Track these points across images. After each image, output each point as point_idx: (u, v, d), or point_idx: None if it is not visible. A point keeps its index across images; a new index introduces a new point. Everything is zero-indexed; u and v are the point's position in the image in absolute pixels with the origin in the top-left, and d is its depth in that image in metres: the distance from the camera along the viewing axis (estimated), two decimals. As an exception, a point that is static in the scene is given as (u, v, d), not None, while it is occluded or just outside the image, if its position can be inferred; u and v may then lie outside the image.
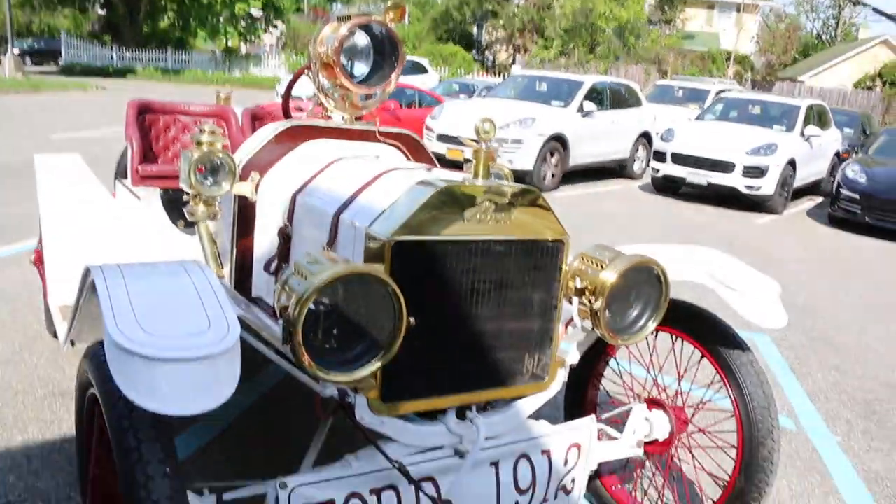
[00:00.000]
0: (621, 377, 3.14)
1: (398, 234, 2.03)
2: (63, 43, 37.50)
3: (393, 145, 3.07)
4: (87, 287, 2.03)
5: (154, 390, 1.52)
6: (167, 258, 3.42)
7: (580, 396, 3.17)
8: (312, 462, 2.29)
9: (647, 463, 3.03)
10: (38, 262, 4.56)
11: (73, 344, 3.26)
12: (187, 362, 1.54)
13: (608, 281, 2.39)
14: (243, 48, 45.32)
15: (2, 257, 6.16)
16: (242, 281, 2.81)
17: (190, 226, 3.69)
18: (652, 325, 2.54)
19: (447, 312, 2.19)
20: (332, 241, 2.35)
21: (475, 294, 2.23)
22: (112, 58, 36.59)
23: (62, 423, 3.57)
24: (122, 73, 34.47)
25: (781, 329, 3.88)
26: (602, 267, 2.44)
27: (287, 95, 3.55)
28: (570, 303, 2.52)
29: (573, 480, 2.62)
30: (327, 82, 3.05)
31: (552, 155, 11.94)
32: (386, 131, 3.07)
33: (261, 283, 2.80)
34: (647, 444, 2.87)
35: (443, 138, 11.74)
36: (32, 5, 40.69)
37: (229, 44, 40.96)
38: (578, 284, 2.46)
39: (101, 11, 41.74)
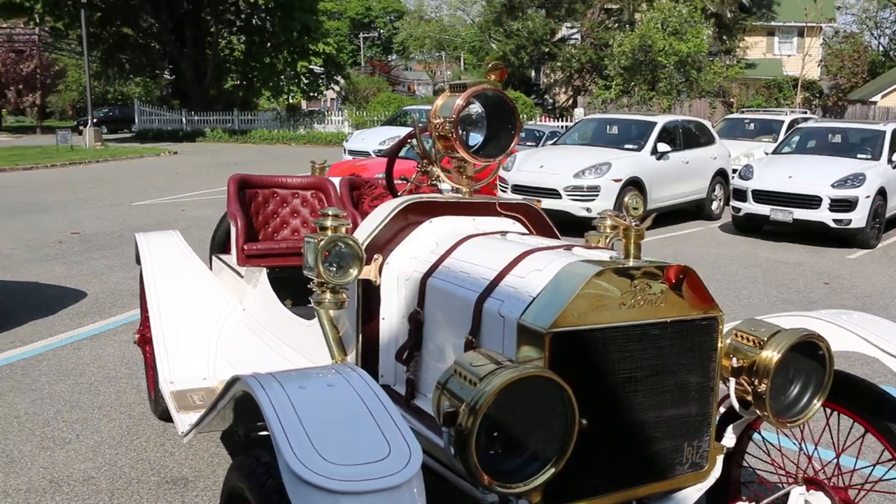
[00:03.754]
0: (768, 453, 2.93)
1: (556, 325, 1.91)
2: (136, 110, 38.93)
3: (514, 217, 2.95)
4: (234, 394, 1.94)
5: None
6: (287, 343, 3.36)
7: (724, 476, 2.95)
8: None
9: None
10: (142, 342, 4.57)
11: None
12: (373, 494, 1.43)
13: (771, 360, 2.22)
14: (304, 105, 46.28)
15: (101, 332, 6.22)
16: (368, 368, 2.70)
17: (298, 305, 3.63)
18: (817, 405, 2.35)
19: (607, 404, 2.04)
20: (474, 331, 2.23)
21: (633, 382, 2.09)
22: (182, 121, 37.70)
23: (178, 513, 3.52)
24: (191, 136, 35.47)
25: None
26: (760, 344, 2.27)
27: (390, 170, 3.48)
28: (725, 383, 2.36)
29: (735, 574, 2.43)
30: (440, 152, 2.96)
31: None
32: (506, 203, 2.96)
33: (388, 370, 2.70)
34: (806, 528, 2.66)
35: (517, 189, 11.65)
36: (107, 76, 42.33)
37: (291, 101, 41.84)
38: (735, 364, 2.30)
39: (169, 77, 43.19)
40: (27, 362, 5.48)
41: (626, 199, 2.20)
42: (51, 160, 22.69)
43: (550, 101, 41.14)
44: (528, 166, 12.14)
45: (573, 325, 1.94)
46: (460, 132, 2.81)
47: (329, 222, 2.55)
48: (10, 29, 40.77)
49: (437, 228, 2.78)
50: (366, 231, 2.79)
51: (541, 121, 31.09)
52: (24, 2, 32.80)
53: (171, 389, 3.72)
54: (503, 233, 2.75)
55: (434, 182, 3.13)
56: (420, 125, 3.09)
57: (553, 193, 11.38)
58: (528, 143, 17.85)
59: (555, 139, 15.85)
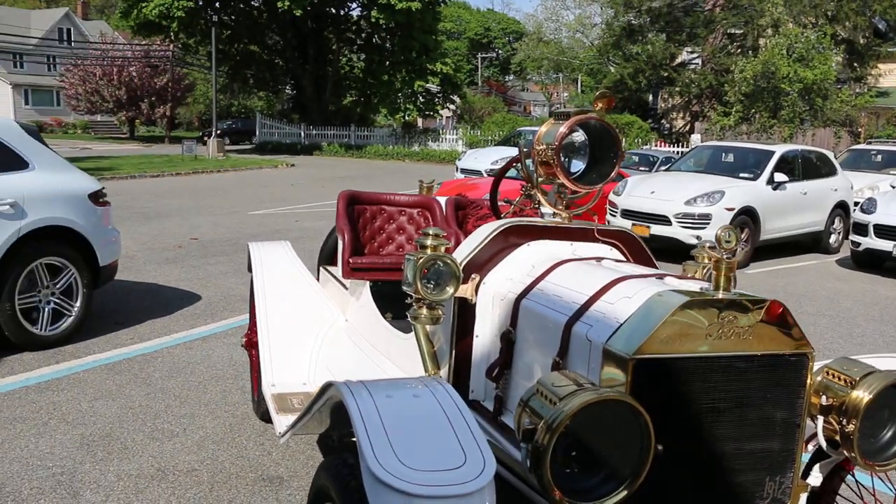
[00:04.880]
0: (861, 497, 2.85)
1: (640, 351, 1.95)
2: (257, 123, 40.63)
3: (611, 244, 2.99)
4: (328, 400, 2.07)
5: None
6: (384, 354, 3.50)
7: (814, 517, 2.90)
8: None
9: None
10: (249, 345, 4.80)
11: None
12: (446, 500, 1.52)
13: (862, 401, 2.19)
14: (420, 122, 47.03)
15: (211, 334, 6.54)
16: (460, 383, 2.79)
17: (398, 318, 3.76)
18: (913, 451, 2.29)
19: (686, 433, 2.07)
20: (562, 353, 2.29)
21: (715, 413, 2.10)
22: (300, 135, 39.04)
23: (273, 511, 3.69)
24: (308, 149, 36.66)
25: None
26: (851, 384, 2.25)
27: (495, 191, 3.57)
28: (813, 420, 2.33)
29: None
30: (542, 177, 3.02)
31: (742, 230, 11.46)
32: (604, 230, 3.01)
33: (479, 386, 2.78)
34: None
35: (627, 214, 11.56)
36: (232, 90, 44.27)
37: (407, 118, 42.63)
38: (824, 402, 2.28)
39: (290, 92, 44.81)
40: (144, 358, 5.83)
41: (718, 231, 2.22)
42: (176, 169, 23.94)
43: (667, 125, 40.40)
44: (639, 191, 12.01)
45: (657, 353, 1.98)
46: (562, 159, 2.88)
47: (429, 241, 2.67)
48: (147, 45, 43.21)
49: (534, 251, 2.85)
50: (465, 251, 2.89)
51: (656, 146, 30.60)
52: (162, 21, 34.88)
53: (272, 392, 3.91)
54: (599, 259, 2.80)
55: (537, 205, 3.21)
56: (525, 150, 3.17)
57: (663, 220, 11.23)
58: (641, 168, 17.64)
59: (668, 165, 15.62)
